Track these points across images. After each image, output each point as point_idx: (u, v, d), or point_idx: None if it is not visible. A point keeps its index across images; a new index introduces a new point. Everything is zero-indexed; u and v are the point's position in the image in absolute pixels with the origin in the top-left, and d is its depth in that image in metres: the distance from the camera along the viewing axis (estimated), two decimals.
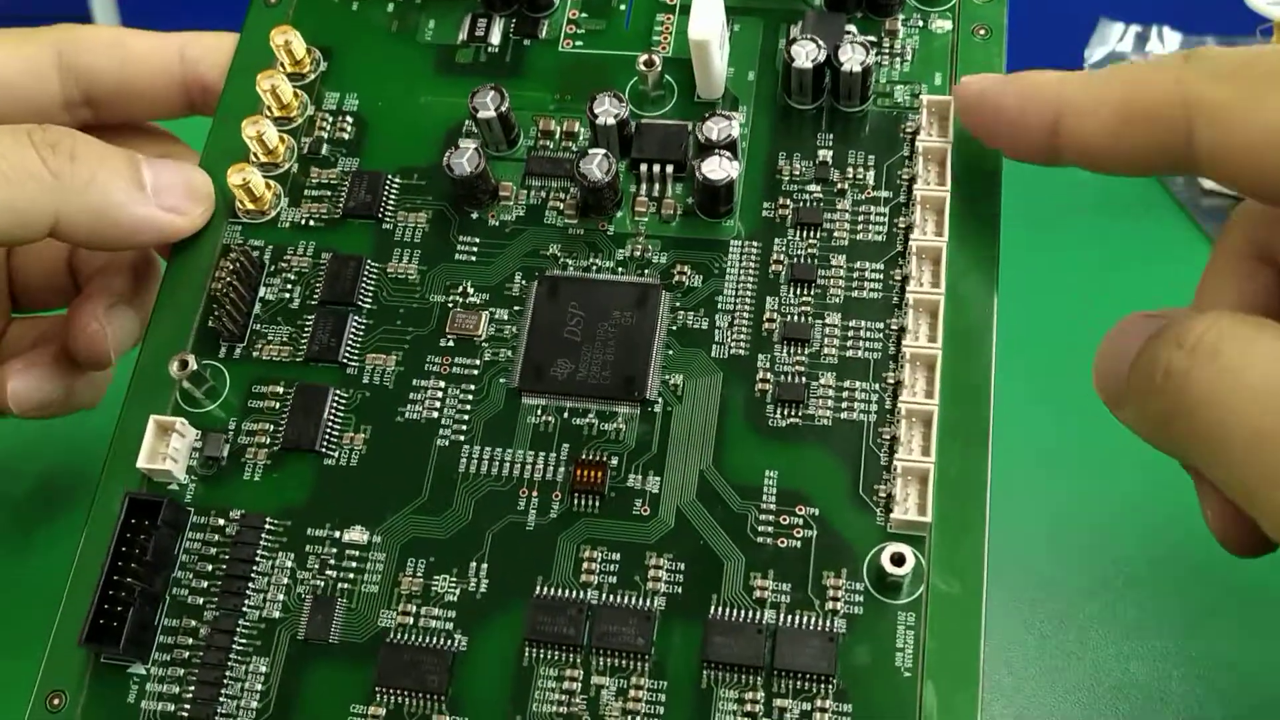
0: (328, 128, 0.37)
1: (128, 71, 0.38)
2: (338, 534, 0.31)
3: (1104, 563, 0.40)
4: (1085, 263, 0.49)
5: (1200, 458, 0.25)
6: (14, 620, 0.37)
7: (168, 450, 0.32)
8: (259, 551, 0.31)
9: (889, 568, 0.29)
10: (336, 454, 0.32)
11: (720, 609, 0.30)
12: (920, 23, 0.36)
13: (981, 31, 0.36)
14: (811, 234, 0.34)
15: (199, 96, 0.38)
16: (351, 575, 0.31)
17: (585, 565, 0.30)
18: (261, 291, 0.35)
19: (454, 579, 0.31)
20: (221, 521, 0.32)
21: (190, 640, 0.31)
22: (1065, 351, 0.39)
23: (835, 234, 0.34)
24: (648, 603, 0.30)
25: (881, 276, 0.33)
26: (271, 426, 0.33)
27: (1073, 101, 0.29)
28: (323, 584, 0.31)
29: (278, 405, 0.33)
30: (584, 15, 0.38)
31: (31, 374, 0.38)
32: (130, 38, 0.38)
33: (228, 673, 0.30)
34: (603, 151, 0.33)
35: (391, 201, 0.35)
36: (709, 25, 0.34)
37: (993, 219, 0.33)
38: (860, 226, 0.34)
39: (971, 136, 0.32)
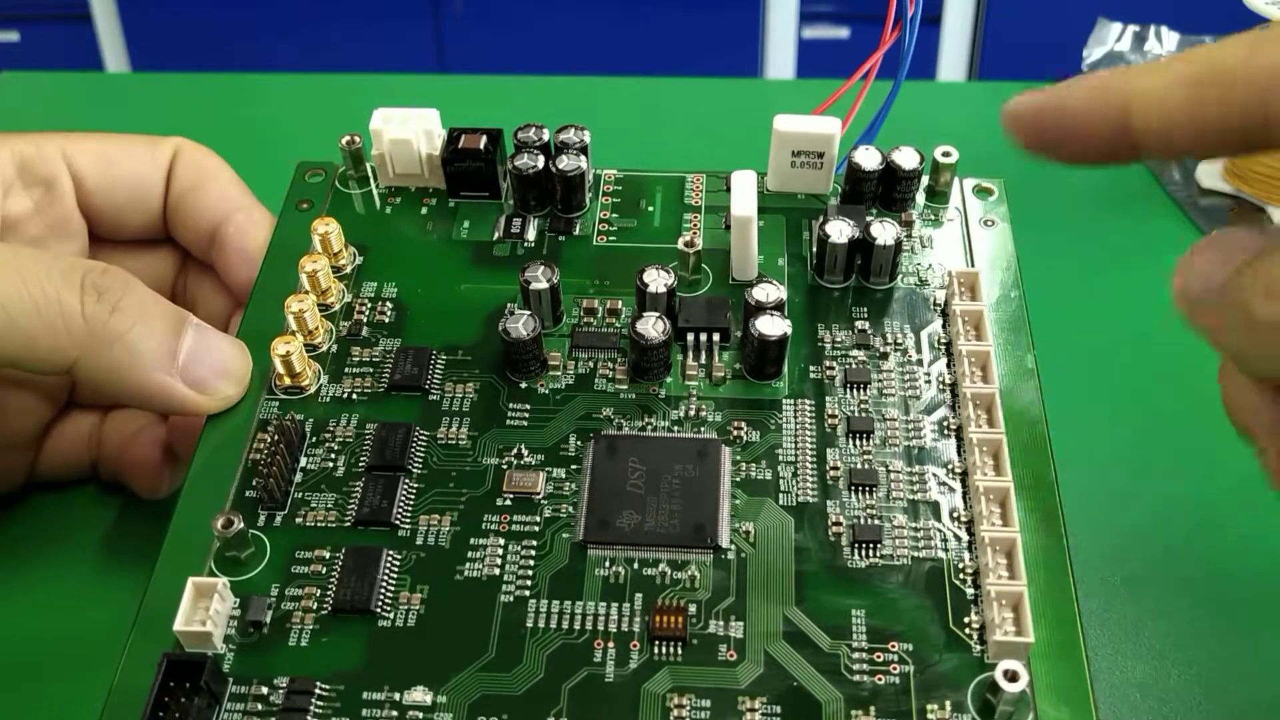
0: (367, 311, 0.37)
1: (188, 200, 0.39)
2: (397, 696, 0.29)
3: (1101, 561, 0.39)
4: (1083, 262, 0.49)
5: None
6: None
7: (207, 614, 0.30)
8: (309, 718, 0.28)
9: (1004, 685, 0.27)
10: (392, 615, 0.30)
11: None
12: (932, 216, 0.39)
13: (989, 221, 0.39)
14: (862, 391, 0.34)
15: (217, 256, 0.40)
16: None
17: (674, 713, 0.28)
18: (302, 461, 0.33)
19: None
20: (265, 690, 0.29)
21: None
22: (1061, 350, 0.39)
23: (885, 391, 0.34)
24: None
25: (937, 426, 0.34)
26: (319, 590, 0.31)
27: (1144, 87, 0.27)
28: None
29: (324, 570, 0.31)
30: (614, 215, 0.40)
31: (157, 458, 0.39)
32: (216, 177, 0.40)
33: None
34: (656, 314, 0.34)
35: (438, 374, 0.35)
36: (749, 203, 0.36)
37: (1033, 370, 0.34)
38: (908, 384, 0.35)
39: (1030, 152, 0.29)
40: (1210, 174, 0.55)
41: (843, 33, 1.51)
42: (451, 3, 1.47)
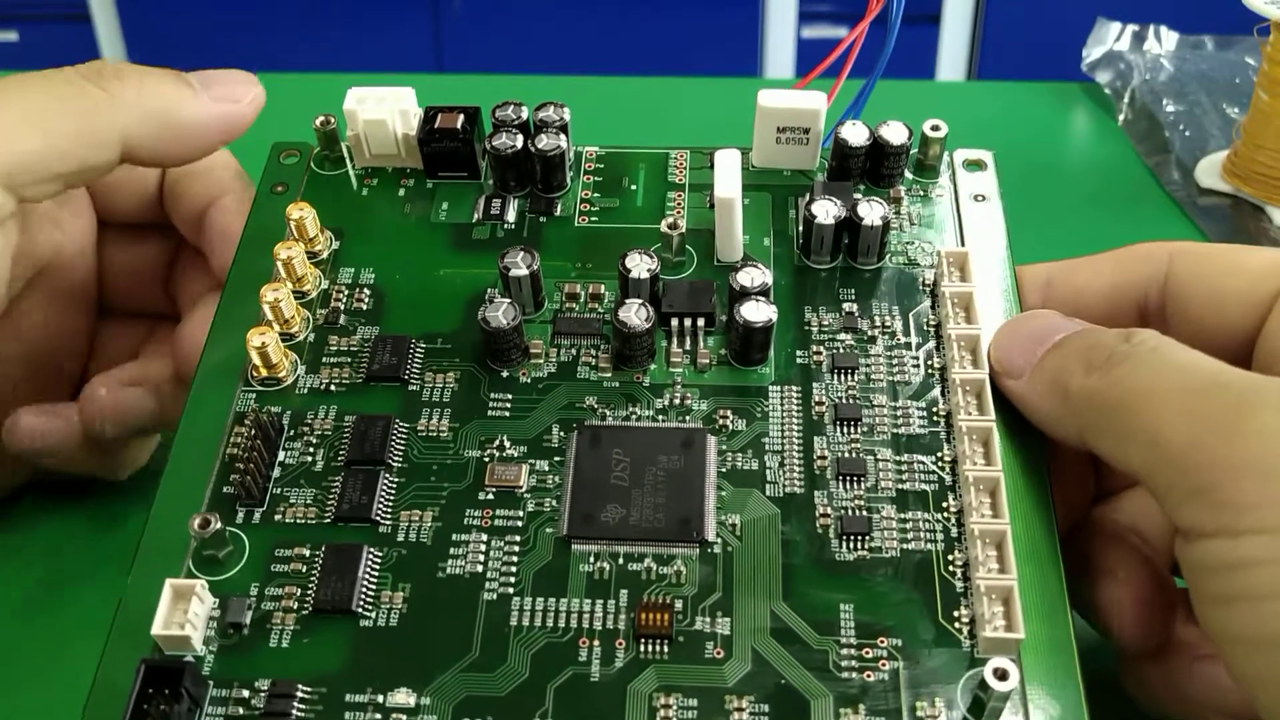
0: (344, 299, 0.36)
1: (181, 183, 0.40)
2: (380, 698, 0.28)
3: None
4: None
5: (1120, 427, 0.28)
6: None
7: (186, 616, 0.29)
8: None
9: (994, 683, 0.27)
10: (374, 614, 0.30)
11: None
12: (921, 192, 0.38)
13: (981, 196, 0.38)
14: (849, 376, 0.34)
15: (203, 240, 0.39)
16: None
17: (661, 713, 0.28)
18: (280, 455, 0.33)
19: None
20: (246, 693, 0.28)
21: None
22: None
23: (873, 376, 0.34)
24: None
25: (926, 412, 0.33)
26: (299, 590, 0.30)
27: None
28: None
29: (304, 568, 0.31)
30: (596, 195, 0.39)
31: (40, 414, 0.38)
32: (210, 160, 0.39)
33: None
34: (639, 300, 0.34)
35: (417, 364, 0.35)
36: (733, 184, 0.35)
37: None
38: (896, 369, 0.34)
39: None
40: (1209, 173, 0.54)
41: (842, 32, 1.49)
42: (450, 2, 1.44)
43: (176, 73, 0.36)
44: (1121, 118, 0.58)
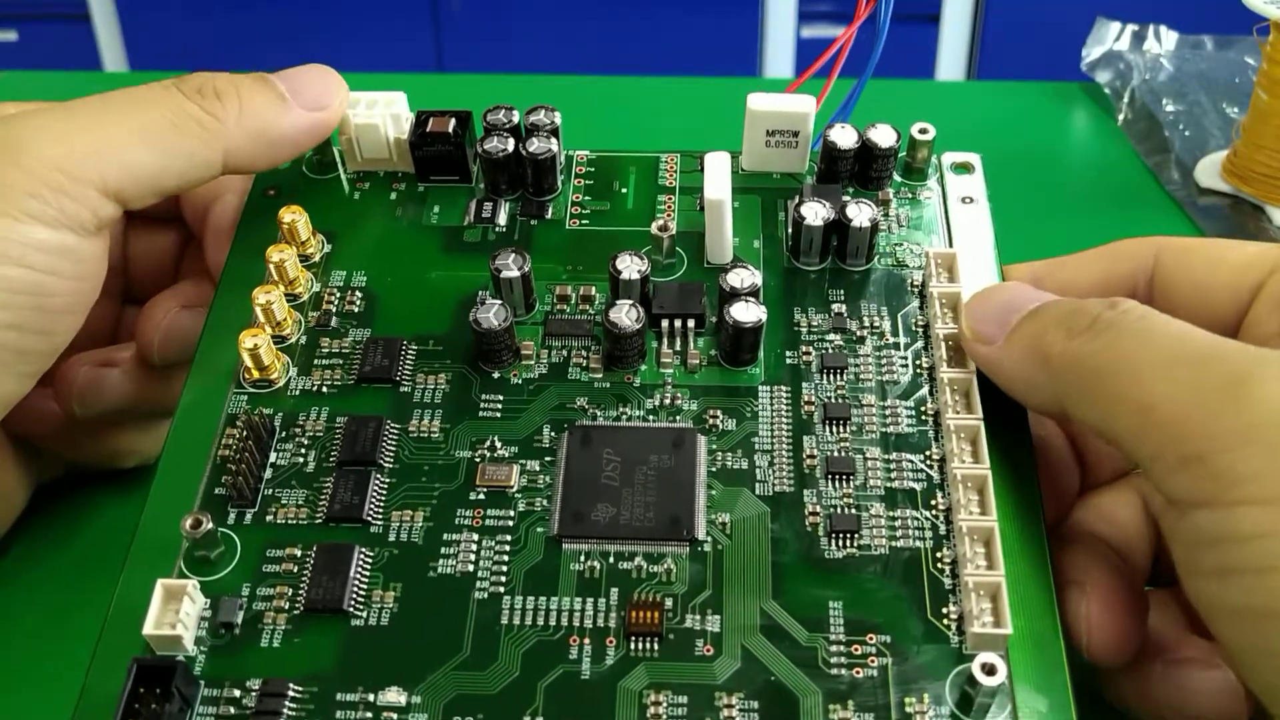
0: (336, 301, 0.36)
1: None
2: (372, 697, 0.29)
3: None
4: None
5: (1106, 393, 0.28)
6: None
7: (177, 616, 0.29)
8: None
9: (981, 678, 0.27)
10: (365, 614, 0.30)
11: None
12: (909, 194, 0.38)
13: (969, 199, 0.38)
14: (838, 376, 0.34)
15: (203, 235, 0.39)
16: None
17: (651, 710, 0.28)
18: (272, 457, 0.33)
19: None
20: (237, 692, 0.29)
21: None
22: None
23: (862, 376, 0.34)
24: None
25: (914, 411, 0.33)
26: (291, 590, 0.30)
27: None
28: None
29: (296, 568, 0.31)
30: (587, 198, 0.39)
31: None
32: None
33: None
34: (629, 302, 0.34)
35: (408, 365, 0.35)
36: (723, 186, 0.35)
37: None
38: (885, 368, 0.34)
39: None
40: (1209, 173, 0.54)
41: (841, 31, 1.51)
42: (450, 3, 1.45)
43: (268, 81, 0.36)
44: (1121, 117, 0.58)
